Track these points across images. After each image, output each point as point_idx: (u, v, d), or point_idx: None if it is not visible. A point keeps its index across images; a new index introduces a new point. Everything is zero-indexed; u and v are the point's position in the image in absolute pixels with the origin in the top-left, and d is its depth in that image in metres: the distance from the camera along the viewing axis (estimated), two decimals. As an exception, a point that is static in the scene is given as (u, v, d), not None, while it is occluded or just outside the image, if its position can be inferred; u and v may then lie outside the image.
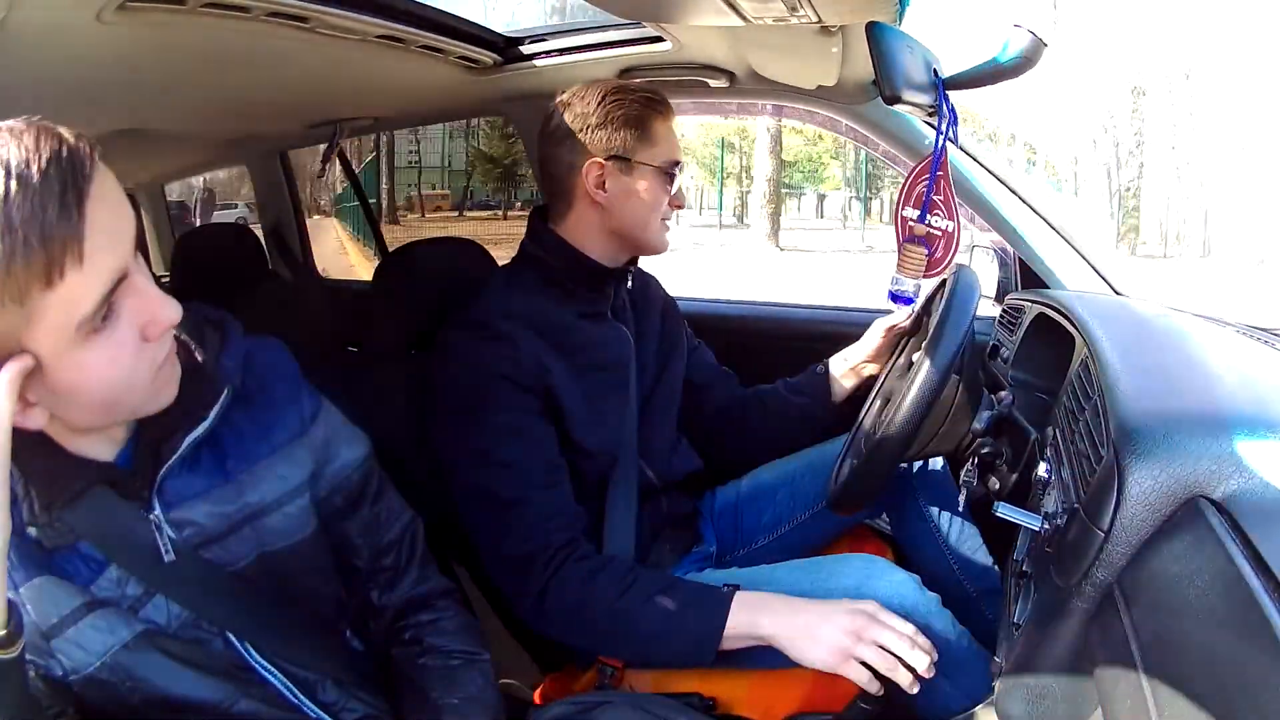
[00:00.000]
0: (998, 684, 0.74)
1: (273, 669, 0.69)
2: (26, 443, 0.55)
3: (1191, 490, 0.54)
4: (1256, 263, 12.34)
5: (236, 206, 3.49)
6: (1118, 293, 1.27)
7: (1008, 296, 1.31)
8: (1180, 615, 0.49)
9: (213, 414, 0.65)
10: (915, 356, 0.92)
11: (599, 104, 0.99)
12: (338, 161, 1.91)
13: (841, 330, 1.22)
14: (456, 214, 9.07)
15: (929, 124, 1.28)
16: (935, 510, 1.13)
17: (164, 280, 2.09)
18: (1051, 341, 1.02)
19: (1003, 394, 0.97)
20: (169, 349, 0.60)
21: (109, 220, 0.53)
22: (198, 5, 0.85)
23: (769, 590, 0.90)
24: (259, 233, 2.27)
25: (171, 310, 0.58)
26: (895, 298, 1.09)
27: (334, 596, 0.76)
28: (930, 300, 1.06)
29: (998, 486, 0.94)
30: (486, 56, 1.29)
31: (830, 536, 1.17)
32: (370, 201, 5.18)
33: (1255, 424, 0.58)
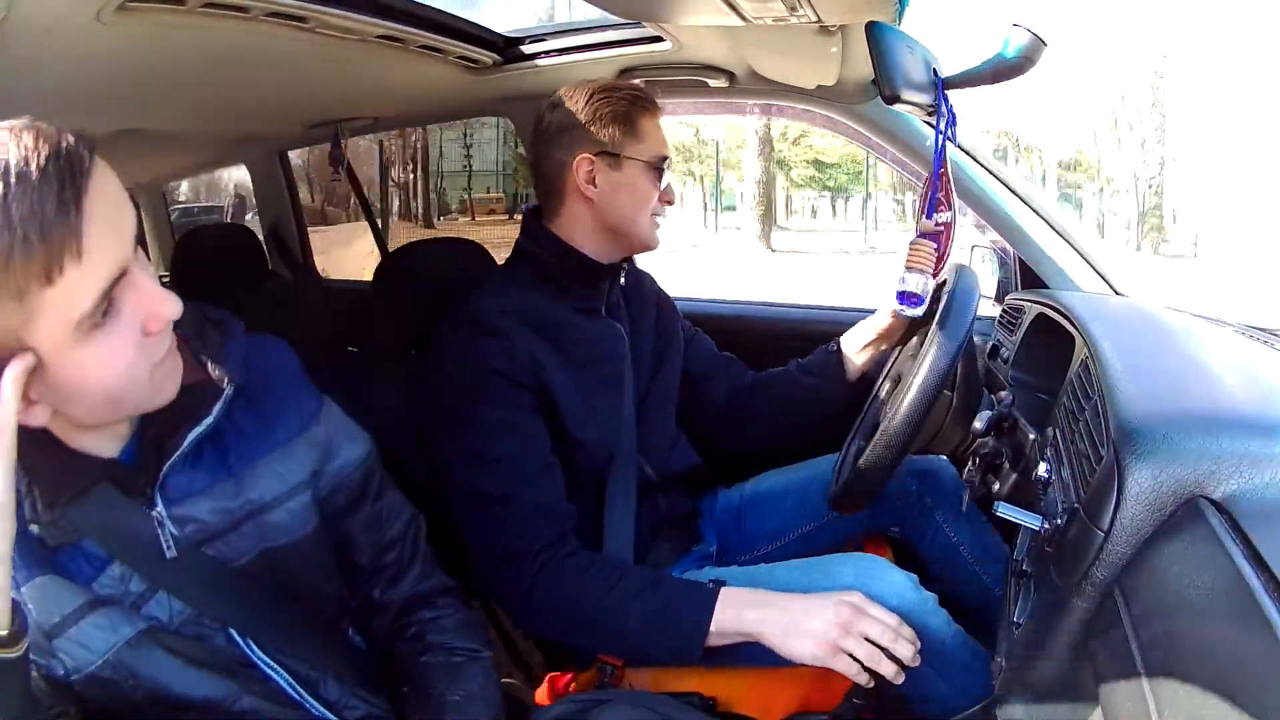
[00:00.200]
0: (998, 684, 0.74)
1: (275, 665, 0.69)
2: (29, 440, 0.55)
3: (1191, 490, 0.54)
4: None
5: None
6: (1118, 293, 1.27)
7: (1008, 296, 1.31)
8: (1180, 615, 0.49)
9: (216, 410, 0.65)
10: (915, 355, 0.92)
11: (587, 102, 1.02)
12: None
13: (841, 330, 1.22)
14: (508, 217, 8.85)
15: (928, 123, 1.28)
16: (944, 515, 1.12)
17: (164, 280, 2.08)
18: (1051, 341, 1.02)
19: (1003, 394, 0.97)
20: (170, 344, 0.61)
21: (108, 216, 0.54)
22: (197, 5, 0.85)
23: (768, 589, 0.90)
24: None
25: (172, 305, 0.58)
26: (904, 298, 1.02)
27: (336, 594, 0.76)
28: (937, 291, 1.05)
29: (998, 486, 0.94)
30: (486, 56, 1.29)
31: (835, 549, 1.16)
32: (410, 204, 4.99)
33: (1255, 424, 0.58)
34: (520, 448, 0.94)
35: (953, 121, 1.03)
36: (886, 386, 1.06)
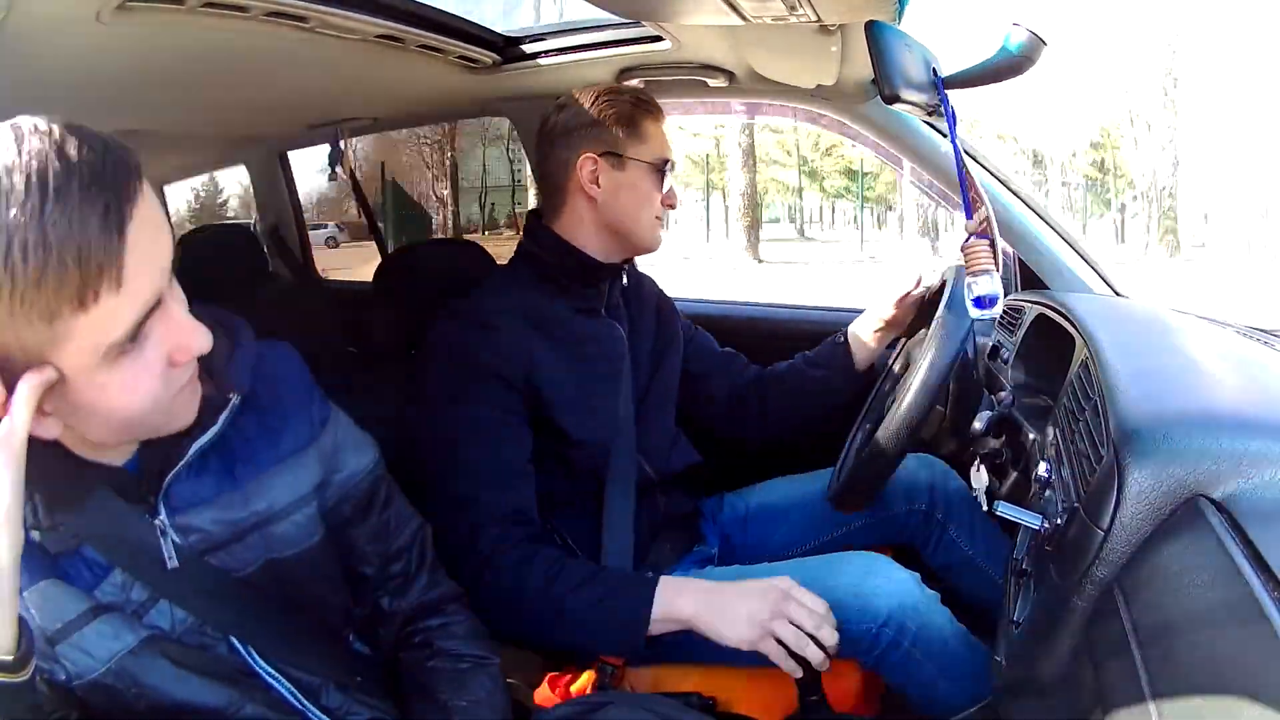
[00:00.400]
0: (998, 683, 0.74)
1: (277, 674, 0.68)
2: (34, 447, 0.54)
3: (1191, 490, 0.54)
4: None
5: (326, 227, 3.34)
6: (1118, 293, 1.27)
7: (1008, 296, 1.31)
8: (1180, 614, 0.49)
9: (221, 420, 0.65)
10: (915, 354, 0.92)
11: (592, 103, 1.04)
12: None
13: (842, 327, 1.22)
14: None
15: (928, 123, 1.28)
16: (958, 530, 1.12)
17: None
18: (1051, 342, 1.01)
19: (1003, 394, 0.97)
20: (192, 373, 0.59)
21: (150, 245, 0.51)
22: (197, 5, 0.85)
23: None
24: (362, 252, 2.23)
25: (202, 339, 0.56)
26: (980, 303, 0.96)
27: (341, 604, 0.76)
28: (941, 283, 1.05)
29: (998, 486, 0.94)
30: (486, 56, 1.29)
31: None
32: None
33: (1255, 424, 0.58)
34: (493, 452, 0.94)
35: (953, 121, 1.03)
36: (895, 368, 1.06)
